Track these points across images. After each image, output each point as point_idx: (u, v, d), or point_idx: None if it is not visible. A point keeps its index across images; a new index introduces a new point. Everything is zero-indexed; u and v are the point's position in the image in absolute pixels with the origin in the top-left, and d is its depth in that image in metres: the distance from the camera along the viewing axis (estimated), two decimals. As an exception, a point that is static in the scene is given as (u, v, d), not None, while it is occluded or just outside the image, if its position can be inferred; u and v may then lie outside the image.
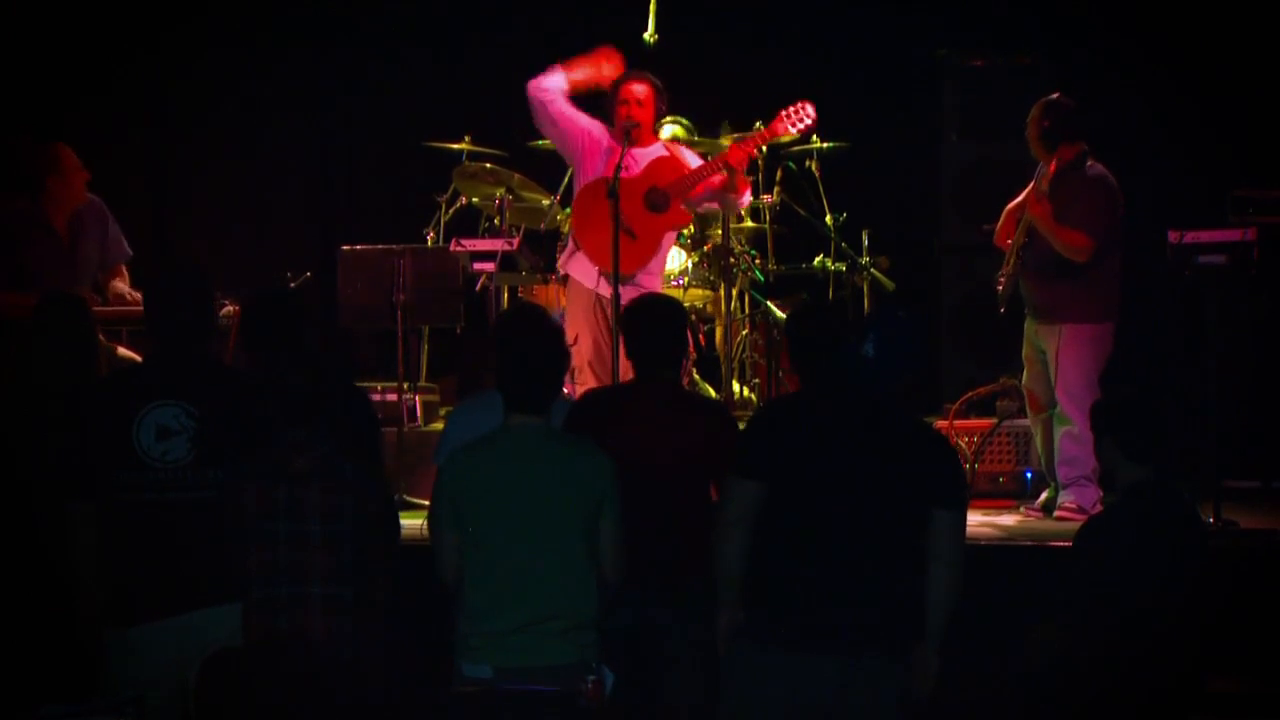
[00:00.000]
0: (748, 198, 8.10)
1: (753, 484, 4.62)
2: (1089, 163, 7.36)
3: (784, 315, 8.62)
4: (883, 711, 4.54)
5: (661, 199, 7.74)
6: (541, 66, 7.87)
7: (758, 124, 8.42)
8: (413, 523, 5.79)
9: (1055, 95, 7.47)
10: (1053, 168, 7.30)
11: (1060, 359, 7.34)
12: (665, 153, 7.90)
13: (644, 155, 7.84)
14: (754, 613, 4.62)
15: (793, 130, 7.87)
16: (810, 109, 7.79)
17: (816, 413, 4.68)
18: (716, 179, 7.77)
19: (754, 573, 4.63)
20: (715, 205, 8.11)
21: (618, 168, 7.42)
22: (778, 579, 4.58)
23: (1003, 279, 7.51)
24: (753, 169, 8.60)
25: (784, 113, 7.84)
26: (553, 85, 7.80)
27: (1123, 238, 7.40)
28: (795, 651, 4.52)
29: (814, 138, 8.60)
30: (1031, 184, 7.45)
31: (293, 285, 8.22)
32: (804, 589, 4.54)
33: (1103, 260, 7.31)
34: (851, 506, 4.54)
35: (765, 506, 4.62)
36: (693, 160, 7.97)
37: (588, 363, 7.73)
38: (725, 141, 8.63)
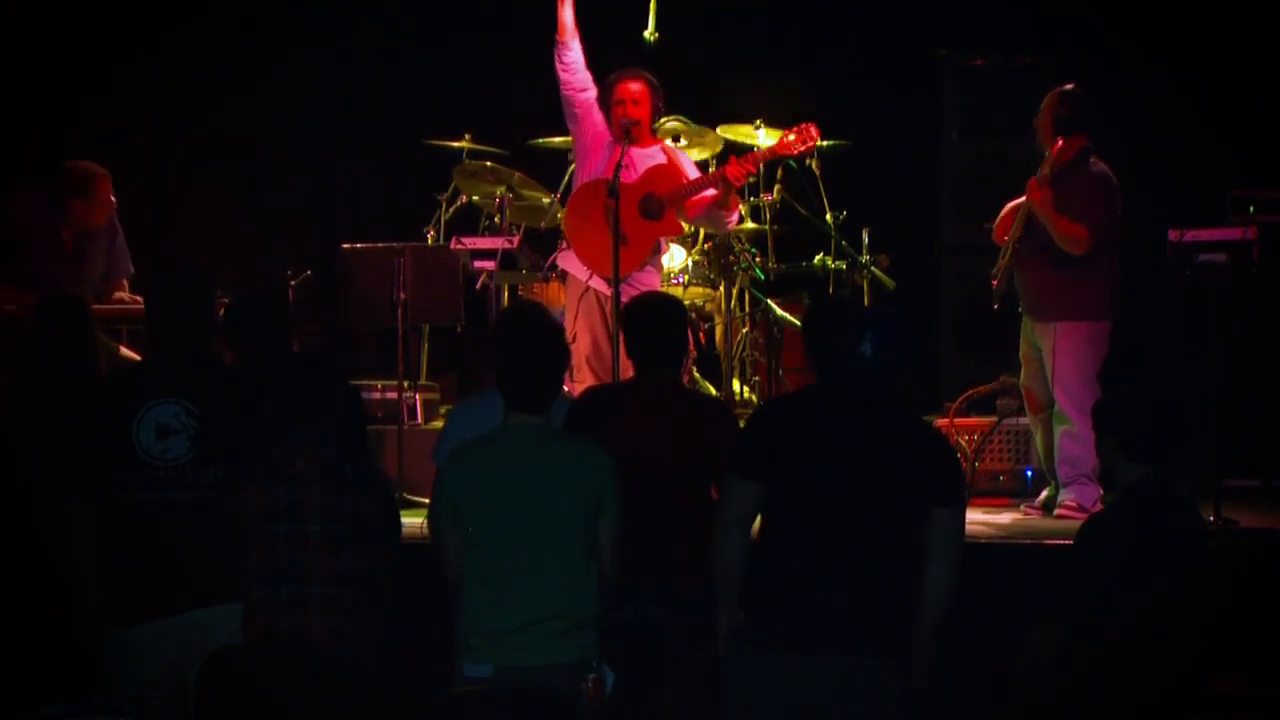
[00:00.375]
0: (736, 217, 8.09)
1: (752, 484, 4.63)
2: (1091, 159, 7.35)
3: (784, 313, 8.63)
4: (883, 711, 4.54)
5: (656, 207, 7.74)
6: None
7: (759, 142, 8.46)
8: (413, 521, 5.79)
9: (1070, 86, 7.44)
10: (1055, 148, 7.24)
11: (1057, 357, 7.33)
12: (664, 158, 7.91)
13: (643, 157, 7.83)
14: (755, 613, 4.63)
15: (795, 152, 7.87)
16: (814, 130, 7.80)
17: (816, 412, 4.68)
18: (711, 193, 7.76)
19: (754, 573, 4.63)
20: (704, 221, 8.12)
21: (618, 166, 7.42)
22: (778, 579, 4.58)
23: (997, 275, 7.51)
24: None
25: (788, 133, 7.86)
26: (571, 61, 7.78)
27: (1121, 238, 7.40)
28: (796, 652, 4.52)
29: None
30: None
31: (293, 284, 8.23)
32: (804, 589, 4.54)
33: (1100, 257, 7.30)
34: (851, 506, 4.54)
35: (765, 506, 4.62)
36: (690, 169, 7.97)
37: (585, 360, 7.74)
38: (758, 133, 8.65)
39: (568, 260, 7.97)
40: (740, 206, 8.21)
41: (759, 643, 4.59)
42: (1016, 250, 7.42)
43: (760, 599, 4.62)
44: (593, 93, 7.85)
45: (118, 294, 7.96)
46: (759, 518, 4.72)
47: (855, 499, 4.55)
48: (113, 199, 7.89)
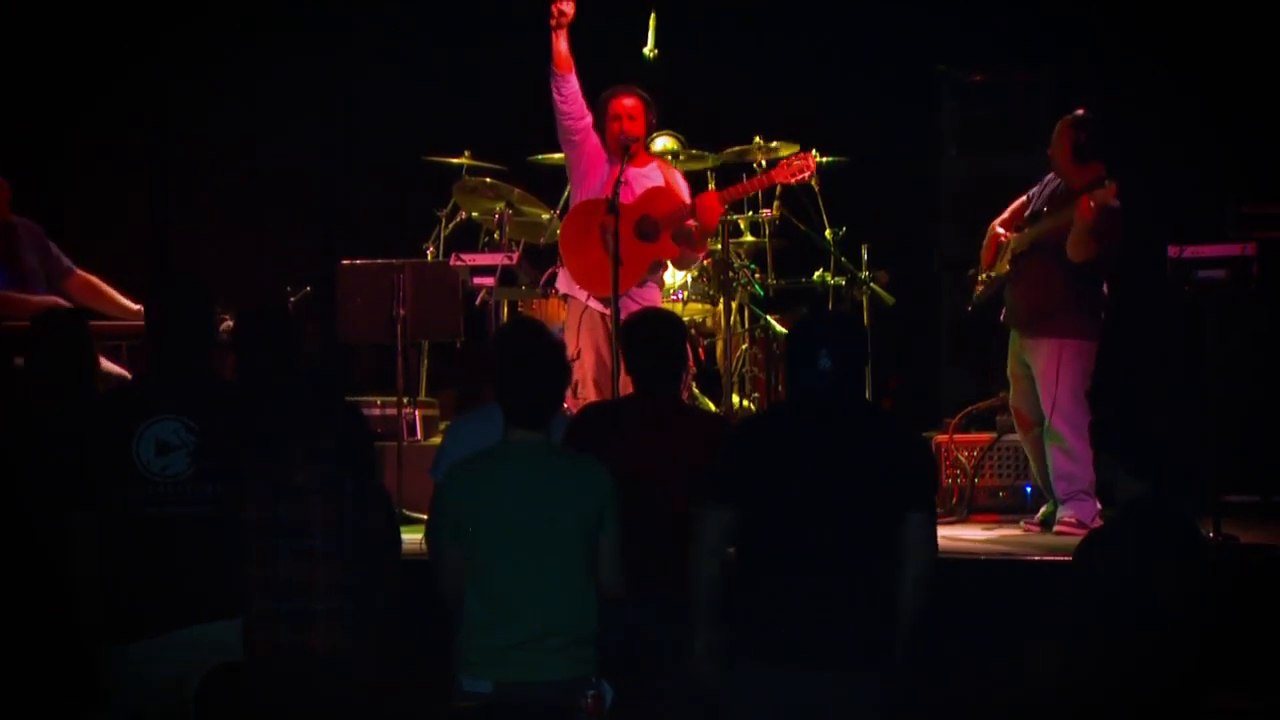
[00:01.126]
0: (697, 259, 8.12)
1: (729, 509, 4.61)
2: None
3: (783, 329, 8.63)
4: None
5: (653, 229, 7.75)
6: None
7: (757, 158, 8.49)
8: (412, 537, 5.78)
9: (1080, 111, 7.43)
10: (1109, 191, 7.20)
11: (1050, 374, 7.32)
12: (659, 175, 7.92)
13: (638, 176, 7.84)
14: (743, 631, 4.61)
15: (792, 180, 7.91)
16: (811, 160, 7.84)
17: (785, 430, 4.68)
18: (691, 222, 7.79)
19: (739, 591, 4.62)
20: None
21: (617, 183, 7.42)
22: (762, 597, 4.57)
23: (984, 281, 7.51)
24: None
25: (785, 162, 7.89)
26: (570, 92, 7.78)
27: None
28: (785, 668, 4.51)
29: (813, 151, 8.58)
30: (1022, 200, 7.49)
31: (292, 300, 8.23)
32: (788, 606, 4.53)
33: (1097, 278, 7.32)
34: (827, 520, 4.53)
35: (742, 527, 4.61)
36: (683, 187, 8.00)
37: (591, 378, 7.74)
38: (758, 150, 8.67)
39: (565, 281, 7.97)
40: (705, 250, 8.21)
41: (751, 660, 4.57)
42: (1015, 267, 7.42)
43: (748, 617, 4.60)
44: (589, 118, 7.86)
45: (120, 299, 7.97)
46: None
47: (831, 512, 4.54)
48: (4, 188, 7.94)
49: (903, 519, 4.61)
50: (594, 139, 7.87)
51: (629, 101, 7.81)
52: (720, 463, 4.75)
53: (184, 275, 9.11)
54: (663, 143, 8.68)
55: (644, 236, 7.75)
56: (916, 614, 4.64)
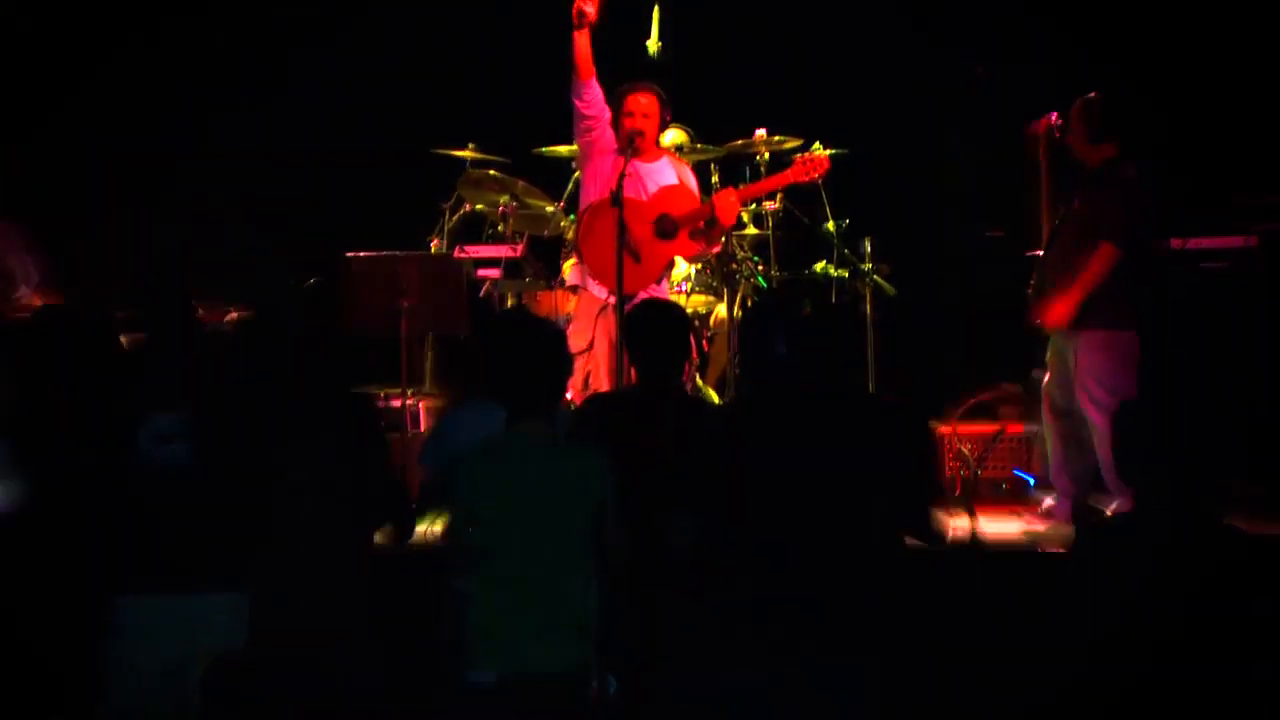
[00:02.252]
0: (709, 254, 8.17)
1: (693, 513, 4.61)
2: (1120, 166, 7.32)
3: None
4: (867, 710, 4.55)
5: (671, 227, 7.77)
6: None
7: (761, 150, 8.48)
8: (417, 529, 5.80)
9: (1093, 95, 7.42)
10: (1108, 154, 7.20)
11: (1080, 365, 7.31)
12: (672, 171, 7.94)
13: (650, 171, 7.86)
14: (723, 630, 4.61)
15: (806, 179, 7.94)
16: (825, 159, 7.88)
17: (744, 424, 4.67)
18: (703, 222, 7.82)
19: (716, 592, 4.61)
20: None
21: (621, 175, 7.44)
22: (739, 596, 4.56)
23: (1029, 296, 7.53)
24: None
25: (799, 160, 7.92)
26: (592, 97, 7.78)
27: (1147, 246, 7.35)
28: (766, 663, 4.52)
29: (816, 144, 8.59)
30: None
31: (297, 292, 8.24)
32: (768, 602, 4.53)
33: (1124, 267, 7.30)
34: (799, 511, 4.52)
35: (713, 527, 4.59)
36: (693, 182, 8.01)
37: (606, 371, 7.75)
38: (760, 145, 8.68)
39: (578, 273, 7.98)
40: (719, 246, 8.25)
41: (729, 656, 4.59)
42: (1042, 263, 7.41)
43: (723, 614, 4.60)
44: (609, 114, 7.87)
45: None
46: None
47: (800, 503, 4.52)
48: None
49: (873, 502, 4.60)
50: (609, 133, 7.88)
51: (644, 99, 7.83)
52: (680, 466, 4.72)
53: (173, 272, 9.14)
54: (671, 135, 8.69)
55: (663, 235, 7.78)
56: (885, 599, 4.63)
